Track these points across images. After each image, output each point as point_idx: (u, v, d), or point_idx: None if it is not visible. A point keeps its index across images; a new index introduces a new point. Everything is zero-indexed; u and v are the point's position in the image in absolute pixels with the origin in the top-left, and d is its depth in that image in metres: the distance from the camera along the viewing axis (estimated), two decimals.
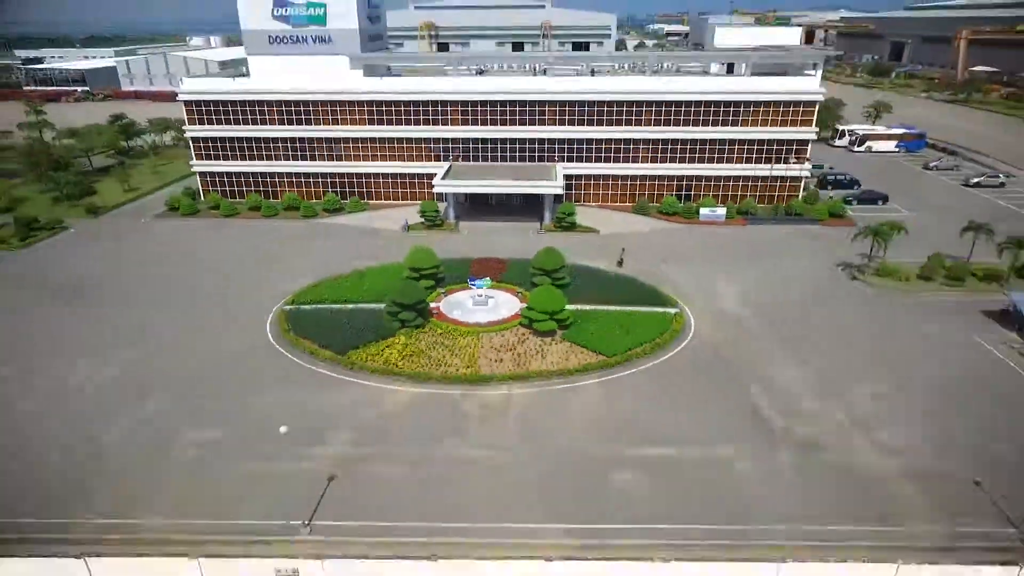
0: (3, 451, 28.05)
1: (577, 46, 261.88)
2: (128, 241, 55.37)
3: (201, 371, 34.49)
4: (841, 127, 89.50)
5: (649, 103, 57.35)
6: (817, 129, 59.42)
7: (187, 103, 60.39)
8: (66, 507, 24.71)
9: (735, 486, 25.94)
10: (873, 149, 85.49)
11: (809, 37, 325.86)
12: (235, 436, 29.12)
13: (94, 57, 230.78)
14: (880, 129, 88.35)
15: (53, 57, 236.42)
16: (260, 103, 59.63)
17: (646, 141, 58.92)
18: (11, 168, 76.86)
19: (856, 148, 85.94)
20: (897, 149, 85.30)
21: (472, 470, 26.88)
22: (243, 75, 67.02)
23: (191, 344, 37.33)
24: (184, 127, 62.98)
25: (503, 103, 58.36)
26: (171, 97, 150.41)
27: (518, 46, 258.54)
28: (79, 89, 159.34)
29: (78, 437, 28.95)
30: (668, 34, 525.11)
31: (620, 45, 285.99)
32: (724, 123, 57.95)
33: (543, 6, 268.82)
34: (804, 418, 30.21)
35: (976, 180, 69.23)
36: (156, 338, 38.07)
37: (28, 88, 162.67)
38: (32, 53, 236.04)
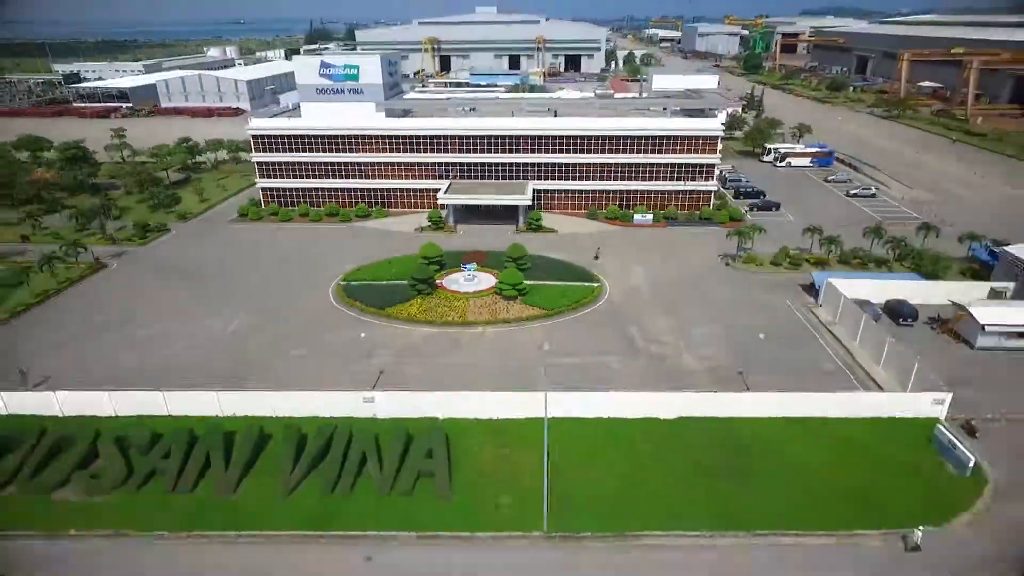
0: (191, 362, 48.81)
1: (569, 58, 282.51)
2: (217, 239, 76.22)
3: (291, 320, 55.16)
4: (769, 146, 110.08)
5: (596, 137, 77.90)
6: (720, 157, 79.93)
7: (254, 137, 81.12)
8: (235, 385, 45.40)
9: (608, 374, 46.56)
10: (792, 164, 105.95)
11: (790, 47, 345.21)
12: (317, 353, 49.79)
13: (125, 72, 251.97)
14: (799, 147, 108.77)
15: (89, 72, 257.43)
16: (309, 137, 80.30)
17: (595, 164, 79.39)
18: (108, 182, 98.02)
19: (778, 164, 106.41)
20: (811, 164, 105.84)
21: (461, 366, 47.55)
22: (289, 111, 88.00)
23: (282, 305, 58.05)
24: (251, 155, 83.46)
25: (488, 137, 78.98)
26: (206, 113, 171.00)
27: (514, 59, 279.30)
28: (124, 106, 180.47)
29: (233, 353, 49.74)
30: (662, 39, 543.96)
31: (611, 56, 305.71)
32: (652, 151, 78.34)
33: (537, 21, 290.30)
34: (658, 344, 50.92)
35: (854, 192, 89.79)
36: (258, 302, 58.76)
37: (78, 105, 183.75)
38: (68, 67, 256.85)
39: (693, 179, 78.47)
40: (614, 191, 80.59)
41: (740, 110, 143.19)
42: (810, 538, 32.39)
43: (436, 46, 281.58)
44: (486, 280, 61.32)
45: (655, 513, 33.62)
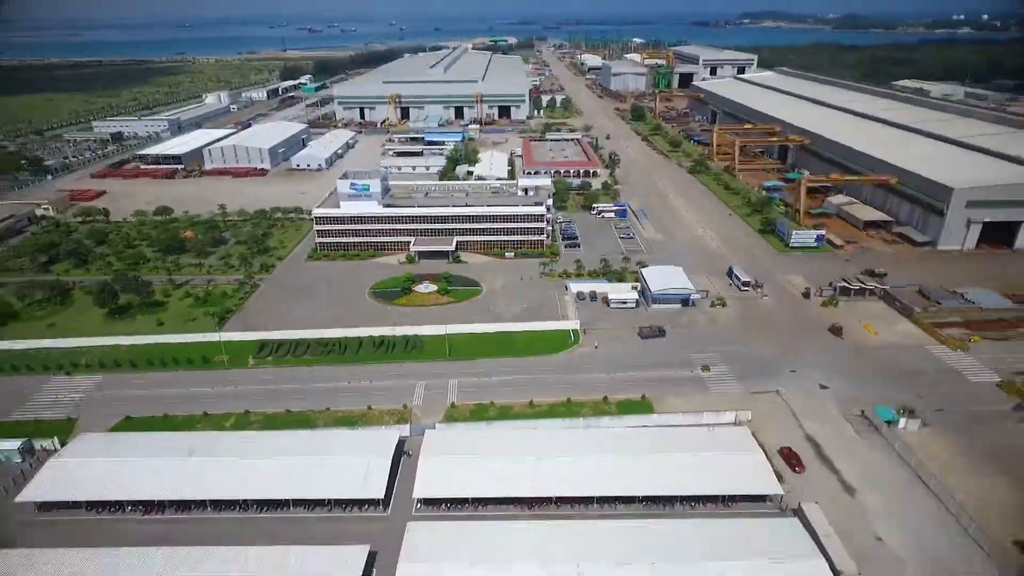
0: (322, 320, 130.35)
1: (502, 109, 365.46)
2: (301, 270, 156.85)
3: (349, 305, 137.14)
4: (595, 205, 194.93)
5: (484, 215, 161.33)
6: (544, 222, 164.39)
7: (317, 217, 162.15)
8: (344, 326, 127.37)
9: (474, 320, 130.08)
10: (604, 216, 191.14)
11: (686, 83, 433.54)
12: (368, 317, 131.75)
13: (155, 128, 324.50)
14: (609, 205, 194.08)
15: (123, 127, 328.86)
16: (345, 217, 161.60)
17: (484, 227, 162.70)
18: (220, 238, 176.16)
19: (596, 216, 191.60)
20: (614, 216, 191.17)
21: (422, 320, 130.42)
22: (328, 197, 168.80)
23: (344, 300, 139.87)
24: (314, 224, 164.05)
25: (432, 216, 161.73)
26: (243, 173, 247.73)
27: (459, 110, 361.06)
28: (180, 167, 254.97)
29: (336, 316, 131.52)
30: (590, 69, 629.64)
31: (537, 103, 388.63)
32: (512, 221, 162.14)
33: (476, 81, 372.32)
34: (497, 309, 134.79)
35: (622, 236, 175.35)
36: (336, 299, 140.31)
37: (147, 167, 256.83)
38: (107, 127, 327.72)
39: (532, 234, 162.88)
40: (495, 240, 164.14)
41: (599, 170, 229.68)
42: (519, 358, 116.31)
43: (398, 100, 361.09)
44: (431, 287, 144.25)
45: (480, 354, 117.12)
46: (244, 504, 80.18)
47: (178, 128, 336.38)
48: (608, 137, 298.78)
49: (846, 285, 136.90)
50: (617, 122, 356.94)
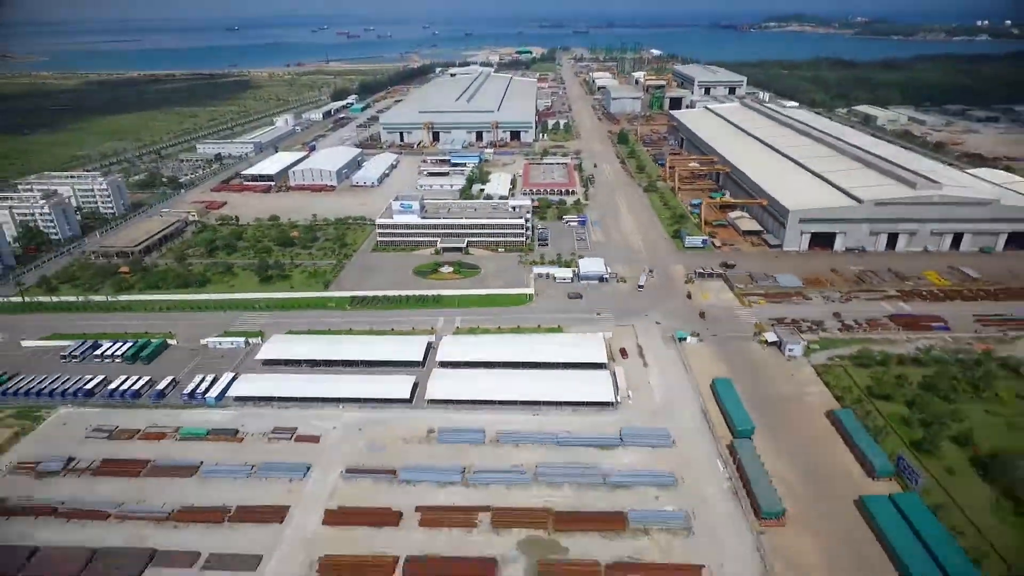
0: (391, 283, 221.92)
1: (513, 133, 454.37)
2: (369, 257, 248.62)
3: (400, 278, 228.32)
4: (564, 216, 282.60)
5: (483, 224, 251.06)
6: (538, 227, 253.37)
7: (379, 224, 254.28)
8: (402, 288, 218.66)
9: (473, 289, 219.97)
10: (569, 224, 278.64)
11: (676, 105, 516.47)
12: (415, 284, 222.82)
13: (248, 153, 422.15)
14: (574, 217, 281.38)
15: (219, 148, 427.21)
16: (396, 224, 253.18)
17: (484, 232, 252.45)
18: (315, 236, 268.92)
19: (565, 224, 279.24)
20: (576, 224, 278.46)
21: (444, 288, 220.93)
22: (385, 212, 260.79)
23: (397, 276, 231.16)
24: (377, 228, 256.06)
25: (452, 224, 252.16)
26: (318, 188, 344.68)
27: (479, 134, 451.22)
28: (271, 184, 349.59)
29: (396, 285, 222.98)
30: (600, 87, 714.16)
31: (544, 127, 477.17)
32: (501, 228, 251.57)
33: (492, 111, 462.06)
34: (490, 283, 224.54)
35: (577, 239, 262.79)
36: (395, 277, 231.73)
37: (248, 183, 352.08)
38: (210, 148, 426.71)
39: (515, 237, 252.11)
40: (493, 240, 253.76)
41: (576, 189, 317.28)
42: (496, 308, 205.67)
43: (431, 126, 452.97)
44: (450, 269, 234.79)
45: (475, 305, 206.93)
46: (355, 363, 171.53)
47: (260, 149, 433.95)
48: (596, 165, 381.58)
49: (702, 271, 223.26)
50: (607, 145, 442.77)
